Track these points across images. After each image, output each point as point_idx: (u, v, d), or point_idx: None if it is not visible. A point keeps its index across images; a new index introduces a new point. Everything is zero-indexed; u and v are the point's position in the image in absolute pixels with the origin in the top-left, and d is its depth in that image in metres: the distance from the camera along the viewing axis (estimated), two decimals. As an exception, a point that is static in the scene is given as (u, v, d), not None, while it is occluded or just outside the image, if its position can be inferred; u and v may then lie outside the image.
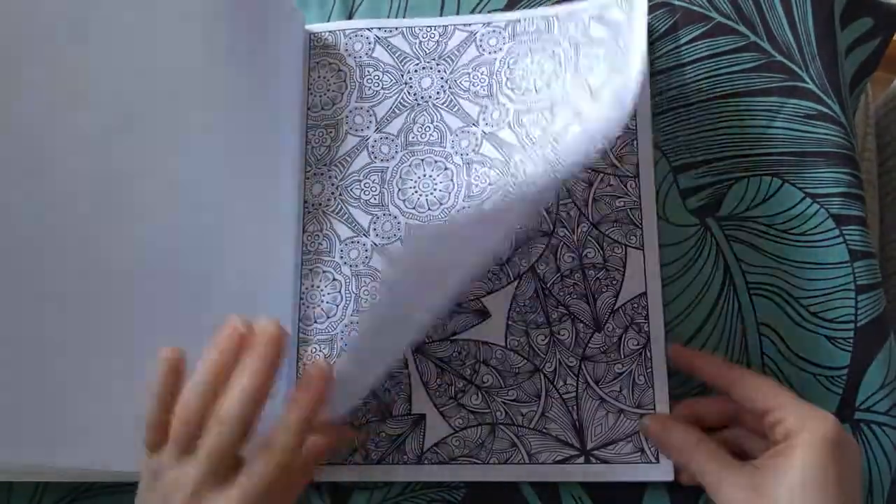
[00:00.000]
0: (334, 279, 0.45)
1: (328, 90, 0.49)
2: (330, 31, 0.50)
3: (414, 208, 0.46)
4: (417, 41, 0.49)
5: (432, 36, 0.49)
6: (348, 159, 0.47)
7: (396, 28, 0.49)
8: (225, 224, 0.42)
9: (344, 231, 0.46)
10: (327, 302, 0.45)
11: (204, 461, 0.33)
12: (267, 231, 0.44)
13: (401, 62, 0.48)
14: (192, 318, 0.41)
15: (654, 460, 0.41)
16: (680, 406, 0.41)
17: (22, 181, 0.40)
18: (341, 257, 0.45)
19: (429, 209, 0.46)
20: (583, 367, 0.43)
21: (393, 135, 0.47)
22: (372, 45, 0.49)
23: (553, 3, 0.49)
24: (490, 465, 0.41)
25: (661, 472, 0.41)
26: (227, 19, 0.43)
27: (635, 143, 0.46)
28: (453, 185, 0.46)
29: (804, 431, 0.34)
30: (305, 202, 0.47)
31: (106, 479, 0.42)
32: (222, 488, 0.32)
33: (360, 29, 0.49)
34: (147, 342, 0.40)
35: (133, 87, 0.42)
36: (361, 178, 0.47)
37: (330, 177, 0.47)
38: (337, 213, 0.46)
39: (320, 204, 0.46)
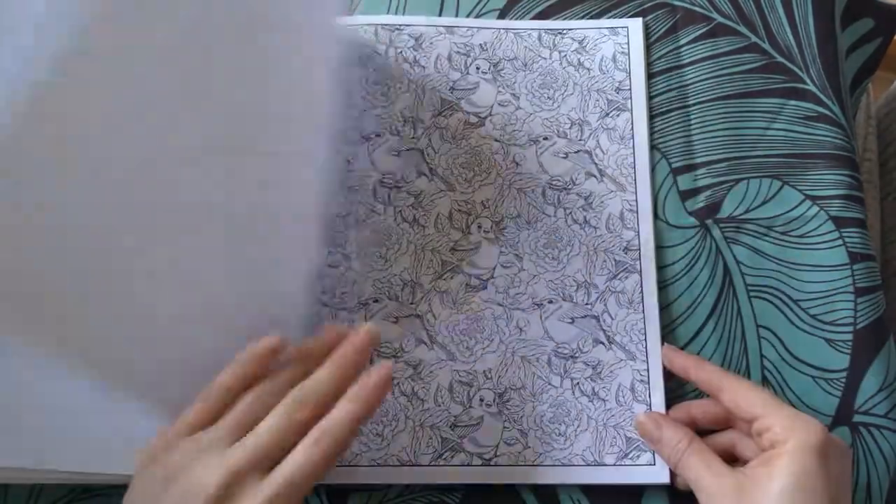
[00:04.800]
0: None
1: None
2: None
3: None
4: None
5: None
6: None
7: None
8: (217, 227, 0.42)
9: None
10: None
11: (260, 444, 0.33)
12: (288, 233, 0.43)
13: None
14: (189, 321, 0.41)
15: (651, 463, 0.41)
16: (675, 408, 0.41)
17: (20, 183, 0.40)
18: None
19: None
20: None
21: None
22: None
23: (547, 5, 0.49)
24: (489, 468, 0.41)
25: (659, 474, 0.40)
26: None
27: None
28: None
29: (791, 440, 0.34)
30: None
31: (103, 482, 0.42)
32: (258, 481, 0.32)
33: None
34: (145, 346, 0.40)
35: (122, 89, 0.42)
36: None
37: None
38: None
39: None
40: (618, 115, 0.47)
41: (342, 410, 0.34)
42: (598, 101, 0.47)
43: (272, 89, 0.41)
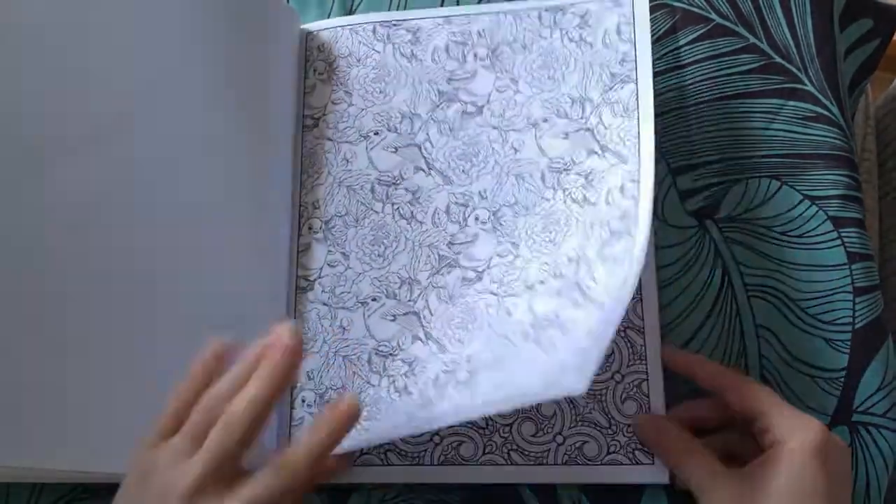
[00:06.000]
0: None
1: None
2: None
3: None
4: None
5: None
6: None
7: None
8: (218, 227, 0.42)
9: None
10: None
11: (208, 459, 0.32)
12: (259, 235, 0.44)
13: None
14: (188, 320, 0.41)
15: (651, 462, 0.41)
16: (678, 407, 0.41)
17: (21, 184, 0.40)
18: None
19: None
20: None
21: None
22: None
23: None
24: (488, 467, 0.41)
25: (658, 474, 0.41)
26: (217, 19, 0.43)
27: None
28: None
29: (791, 440, 0.34)
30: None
31: (104, 480, 0.42)
32: (223, 493, 0.32)
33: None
34: (145, 344, 0.41)
35: (122, 89, 0.42)
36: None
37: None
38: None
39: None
40: (622, 88, 0.44)
41: (304, 445, 0.33)
42: (600, 75, 0.45)
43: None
